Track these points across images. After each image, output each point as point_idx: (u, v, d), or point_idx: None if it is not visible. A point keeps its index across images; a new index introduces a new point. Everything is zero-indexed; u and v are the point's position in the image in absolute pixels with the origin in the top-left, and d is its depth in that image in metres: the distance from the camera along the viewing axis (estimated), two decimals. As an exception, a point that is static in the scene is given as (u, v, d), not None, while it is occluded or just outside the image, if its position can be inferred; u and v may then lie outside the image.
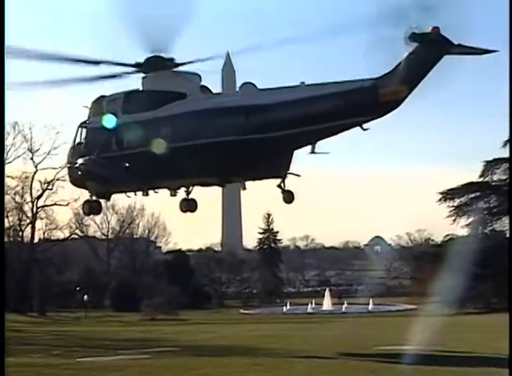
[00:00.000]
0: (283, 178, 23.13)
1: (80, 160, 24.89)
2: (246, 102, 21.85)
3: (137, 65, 23.85)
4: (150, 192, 26.55)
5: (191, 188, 25.39)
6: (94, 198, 25.50)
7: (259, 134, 21.20)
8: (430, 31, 18.32)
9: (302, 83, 21.27)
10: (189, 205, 25.14)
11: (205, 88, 24.67)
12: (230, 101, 22.79)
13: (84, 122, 26.55)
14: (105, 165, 24.11)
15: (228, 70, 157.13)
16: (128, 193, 27.43)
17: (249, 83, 22.89)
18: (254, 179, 24.12)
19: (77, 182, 26.26)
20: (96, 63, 23.19)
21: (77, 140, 26.68)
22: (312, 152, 21.93)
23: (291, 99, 20.79)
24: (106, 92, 26.72)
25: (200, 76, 24.76)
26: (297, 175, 23.56)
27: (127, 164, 23.86)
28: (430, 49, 18.41)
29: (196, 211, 25.77)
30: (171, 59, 23.50)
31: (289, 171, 23.18)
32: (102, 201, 27.14)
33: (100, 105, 25.59)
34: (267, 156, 22.03)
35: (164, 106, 23.49)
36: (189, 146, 22.40)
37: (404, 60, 18.99)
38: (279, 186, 23.72)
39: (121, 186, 25.51)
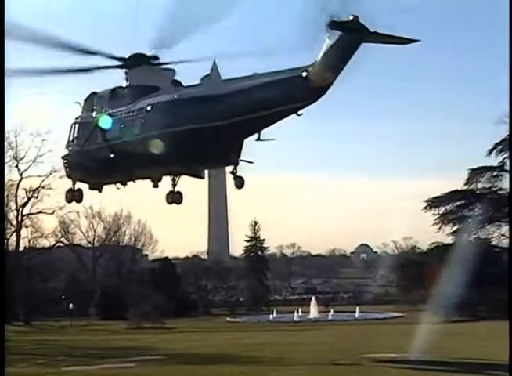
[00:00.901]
0: (236, 165, 24.07)
1: (65, 152, 26.31)
2: (202, 93, 23.24)
3: (122, 59, 24.91)
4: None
5: (177, 180, 26.15)
6: (76, 187, 26.37)
7: (213, 122, 22.31)
8: (350, 19, 19.08)
9: (255, 73, 22.31)
10: (174, 198, 26.12)
11: (177, 82, 25.39)
12: (189, 93, 23.92)
13: (77, 118, 27.41)
14: (85, 156, 25.39)
15: (214, 77, 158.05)
16: (109, 185, 27.95)
17: (211, 74, 24.12)
18: (211, 166, 25.63)
19: (67, 174, 27.15)
20: (92, 53, 24.03)
21: (71, 136, 27.39)
22: (258, 139, 23.19)
23: (238, 88, 22.22)
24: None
25: (173, 71, 25.53)
26: (249, 162, 24.60)
27: (104, 155, 24.94)
28: (348, 37, 19.21)
29: (181, 203, 26.41)
30: (155, 57, 24.60)
31: (241, 158, 24.11)
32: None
33: (91, 101, 26.73)
34: (221, 143, 23.13)
35: (138, 100, 24.71)
36: (153, 137, 23.62)
37: (327, 48, 19.91)
38: (231, 172, 24.63)
39: (100, 176, 26.30)
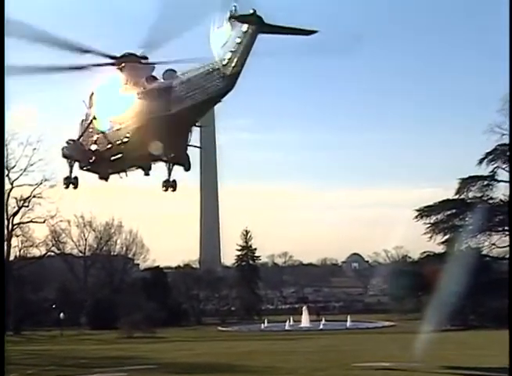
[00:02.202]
0: (183, 151, 26.14)
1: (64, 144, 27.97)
2: (158, 85, 24.97)
3: (114, 58, 26.13)
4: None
5: (171, 168, 27.35)
6: (73, 175, 27.93)
7: (160, 113, 24.15)
8: (249, 13, 20.68)
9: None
10: (169, 184, 27.31)
11: (152, 77, 26.29)
12: (149, 85, 25.44)
13: (85, 115, 28.78)
14: (74, 148, 27.65)
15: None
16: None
17: (171, 70, 25.25)
18: (164, 152, 26.09)
19: (80, 165, 28.60)
20: (85, 51, 25.06)
21: (80, 132, 28.84)
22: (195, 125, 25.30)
23: (178, 81, 24.02)
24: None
25: (152, 68, 26.46)
26: (198, 147, 27.38)
27: (101, 148, 26.80)
28: (249, 28, 20.84)
29: (176, 190, 27.61)
30: (145, 58, 25.80)
31: (189, 144, 26.00)
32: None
33: (92, 99, 28.08)
34: (167, 132, 24.63)
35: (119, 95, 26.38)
36: (122, 129, 25.63)
37: (232, 39, 21.40)
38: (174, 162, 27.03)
39: (103, 167, 27.83)
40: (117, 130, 25.68)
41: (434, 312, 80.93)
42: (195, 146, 26.53)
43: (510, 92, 27.97)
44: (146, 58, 25.86)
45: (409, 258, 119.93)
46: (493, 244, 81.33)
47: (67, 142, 28.35)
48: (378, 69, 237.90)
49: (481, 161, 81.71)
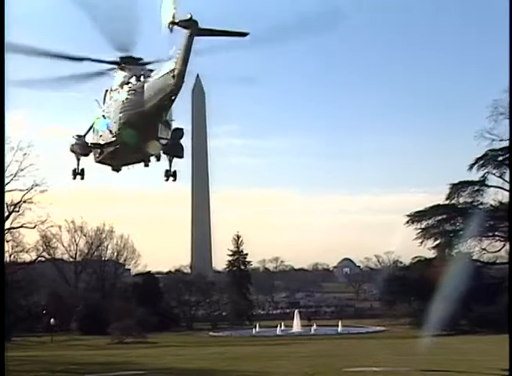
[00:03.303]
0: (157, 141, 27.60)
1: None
2: (139, 84, 26.68)
3: (114, 63, 27.55)
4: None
5: (171, 160, 28.85)
6: (80, 168, 29.77)
7: (140, 108, 26.24)
8: (187, 18, 22.68)
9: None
10: (169, 174, 28.93)
11: (138, 77, 27.63)
12: (135, 84, 27.13)
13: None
14: (79, 143, 29.37)
15: (197, 92, 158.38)
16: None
17: (149, 70, 27.00)
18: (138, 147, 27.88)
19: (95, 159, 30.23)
20: (80, 59, 26.17)
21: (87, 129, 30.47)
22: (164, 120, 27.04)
23: (151, 80, 26.07)
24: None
25: (141, 69, 27.85)
26: (165, 139, 27.72)
27: (98, 142, 28.67)
28: (188, 32, 23.00)
29: (176, 180, 29.18)
30: (140, 59, 27.42)
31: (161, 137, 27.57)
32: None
33: (104, 98, 29.40)
34: (141, 126, 26.74)
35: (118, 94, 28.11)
36: (116, 123, 27.49)
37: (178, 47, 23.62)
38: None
39: (112, 160, 29.53)
40: (114, 123, 27.57)
41: (425, 317, 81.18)
42: (165, 139, 27.66)
43: (510, 93, 28.09)
44: (141, 59, 27.38)
45: (401, 263, 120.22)
46: (484, 249, 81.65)
47: (74, 138, 29.80)
48: (368, 76, 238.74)
49: (471, 167, 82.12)
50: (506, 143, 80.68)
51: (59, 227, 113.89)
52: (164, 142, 27.36)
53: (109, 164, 29.96)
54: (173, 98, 25.12)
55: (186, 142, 29.48)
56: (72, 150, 29.82)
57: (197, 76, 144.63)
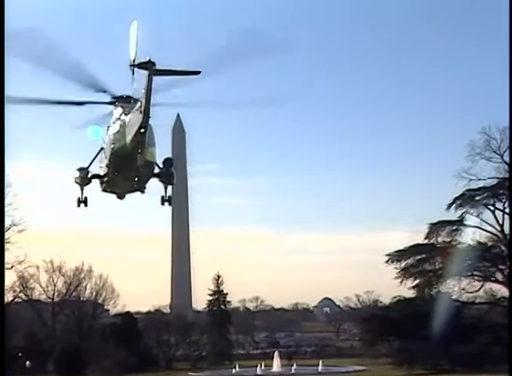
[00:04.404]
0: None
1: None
2: (126, 118, 28.54)
3: (111, 103, 29.42)
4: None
5: (167, 187, 30.79)
6: (83, 196, 31.19)
7: (124, 140, 28.08)
8: (146, 60, 24.80)
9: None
10: (164, 200, 30.97)
11: (127, 112, 29.40)
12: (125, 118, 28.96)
13: None
14: (81, 175, 30.88)
15: (177, 131, 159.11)
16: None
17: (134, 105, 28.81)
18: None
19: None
20: (80, 103, 28.37)
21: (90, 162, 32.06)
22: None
23: (130, 115, 28.02)
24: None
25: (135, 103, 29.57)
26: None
27: (99, 173, 30.50)
28: (148, 73, 25.14)
29: (170, 204, 31.06)
30: (131, 97, 28.87)
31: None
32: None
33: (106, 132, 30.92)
34: (129, 158, 28.52)
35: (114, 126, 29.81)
36: (109, 154, 29.32)
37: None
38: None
39: (108, 188, 31.13)
40: (107, 156, 29.30)
41: (405, 356, 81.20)
42: (147, 170, 29.18)
43: (510, 93, 28.81)
44: (132, 97, 28.78)
45: (381, 302, 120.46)
46: (463, 289, 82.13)
47: (77, 170, 31.26)
48: (343, 113, 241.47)
49: (449, 206, 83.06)
50: (483, 183, 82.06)
51: (37, 267, 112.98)
52: (156, 171, 29.28)
53: (112, 193, 31.66)
54: (142, 131, 26.93)
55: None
56: (75, 181, 31.44)
57: (178, 115, 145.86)
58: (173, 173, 30.07)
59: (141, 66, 25.00)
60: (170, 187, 31.16)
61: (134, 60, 24.95)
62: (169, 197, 31.17)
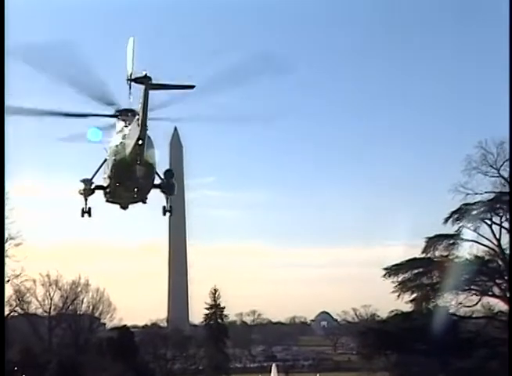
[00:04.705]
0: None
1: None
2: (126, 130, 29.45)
3: (114, 116, 30.12)
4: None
5: (168, 197, 31.50)
6: (87, 207, 31.97)
7: (125, 151, 28.82)
8: (142, 75, 25.63)
9: None
10: (166, 211, 31.67)
11: (128, 124, 30.29)
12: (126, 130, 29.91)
13: None
14: (85, 187, 31.77)
15: (175, 144, 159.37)
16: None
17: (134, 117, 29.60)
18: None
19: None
20: (83, 115, 29.09)
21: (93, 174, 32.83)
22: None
23: (130, 127, 29.06)
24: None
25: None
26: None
27: (103, 184, 31.30)
28: (144, 87, 26.00)
29: (172, 215, 31.83)
30: (133, 110, 29.57)
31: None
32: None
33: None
34: (129, 170, 29.28)
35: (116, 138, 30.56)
36: (112, 165, 30.16)
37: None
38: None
39: (112, 199, 31.86)
40: (109, 167, 30.02)
41: (403, 370, 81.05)
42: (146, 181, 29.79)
43: (510, 93, 29.02)
44: (134, 110, 29.40)
45: (378, 316, 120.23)
46: (460, 303, 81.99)
47: (81, 181, 32.01)
48: (339, 127, 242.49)
49: (446, 220, 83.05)
50: (480, 197, 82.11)
51: (34, 281, 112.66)
52: (157, 182, 30.06)
53: (116, 203, 32.40)
54: (140, 143, 27.56)
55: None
56: (79, 192, 32.23)
57: (175, 129, 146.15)
58: (174, 184, 30.78)
59: (137, 80, 25.84)
60: (170, 198, 31.78)
61: (131, 75, 25.82)
62: (170, 207, 31.83)
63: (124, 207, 32.58)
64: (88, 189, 31.82)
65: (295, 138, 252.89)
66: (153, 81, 25.92)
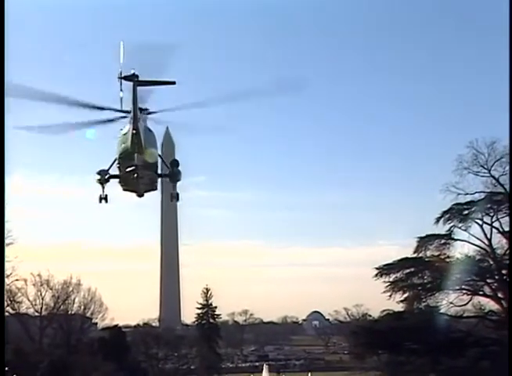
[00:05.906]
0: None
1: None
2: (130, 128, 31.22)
3: (128, 111, 31.27)
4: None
5: (175, 184, 33.36)
6: (104, 193, 33.75)
7: (127, 144, 31.37)
8: (131, 73, 28.14)
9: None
10: (172, 196, 33.67)
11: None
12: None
13: None
14: (101, 175, 33.61)
15: (167, 143, 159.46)
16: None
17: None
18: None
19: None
20: (101, 108, 30.56)
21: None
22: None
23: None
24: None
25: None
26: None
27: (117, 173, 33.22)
28: (133, 84, 28.45)
29: (178, 200, 33.88)
30: (146, 109, 31.77)
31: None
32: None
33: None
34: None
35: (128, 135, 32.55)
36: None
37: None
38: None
39: (128, 187, 33.71)
40: (118, 157, 31.99)
41: (394, 370, 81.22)
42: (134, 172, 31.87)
43: (510, 93, 29.16)
44: (147, 109, 31.69)
45: (370, 316, 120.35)
46: (451, 303, 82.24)
47: (98, 173, 33.56)
48: (330, 128, 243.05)
49: (437, 220, 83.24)
50: (471, 197, 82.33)
51: (25, 281, 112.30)
52: (165, 172, 32.66)
53: (131, 191, 34.21)
54: (134, 132, 30.11)
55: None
56: (97, 181, 33.94)
57: (167, 128, 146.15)
58: (179, 171, 32.88)
59: (126, 78, 28.39)
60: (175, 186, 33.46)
61: (121, 73, 28.49)
62: (177, 194, 33.95)
63: (140, 195, 34.47)
64: (104, 179, 33.65)
65: (287, 138, 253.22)
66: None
